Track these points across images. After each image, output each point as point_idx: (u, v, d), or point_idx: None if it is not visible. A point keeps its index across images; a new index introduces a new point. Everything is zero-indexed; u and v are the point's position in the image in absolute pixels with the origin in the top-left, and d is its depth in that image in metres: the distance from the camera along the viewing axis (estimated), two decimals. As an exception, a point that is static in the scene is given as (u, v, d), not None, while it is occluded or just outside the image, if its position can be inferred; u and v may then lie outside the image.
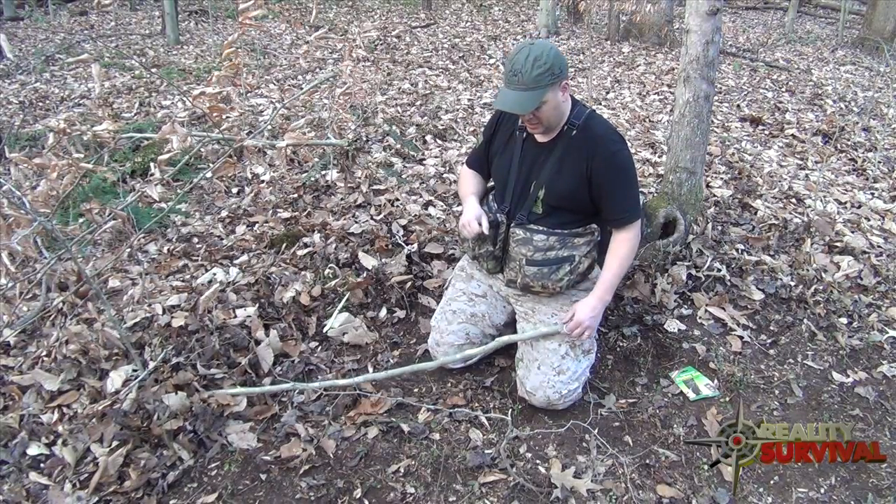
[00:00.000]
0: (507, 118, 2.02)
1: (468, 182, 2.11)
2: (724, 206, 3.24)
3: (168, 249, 2.86)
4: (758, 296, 2.53)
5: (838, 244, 2.89)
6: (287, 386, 1.87)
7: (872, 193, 3.60)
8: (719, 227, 2.93)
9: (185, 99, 4.95)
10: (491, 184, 2.15)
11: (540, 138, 1.93)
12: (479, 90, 5.71)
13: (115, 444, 1.77)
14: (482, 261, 2.01)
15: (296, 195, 3.34)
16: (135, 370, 1.93)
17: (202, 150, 3.61)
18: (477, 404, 2.03)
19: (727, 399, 2.06)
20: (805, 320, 2.42)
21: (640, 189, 2.02)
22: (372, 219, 3.00)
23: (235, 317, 2.31)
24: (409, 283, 2.54)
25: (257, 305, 2.36)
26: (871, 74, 6.80)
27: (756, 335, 2.37)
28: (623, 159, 1.86)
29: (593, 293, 1.89)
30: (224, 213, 3.23)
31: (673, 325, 2.37)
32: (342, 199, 3.24)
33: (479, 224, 1.89)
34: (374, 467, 1.79)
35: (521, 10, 11.15)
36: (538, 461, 1.81)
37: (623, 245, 1.89)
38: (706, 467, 1.81)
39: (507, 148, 1.99)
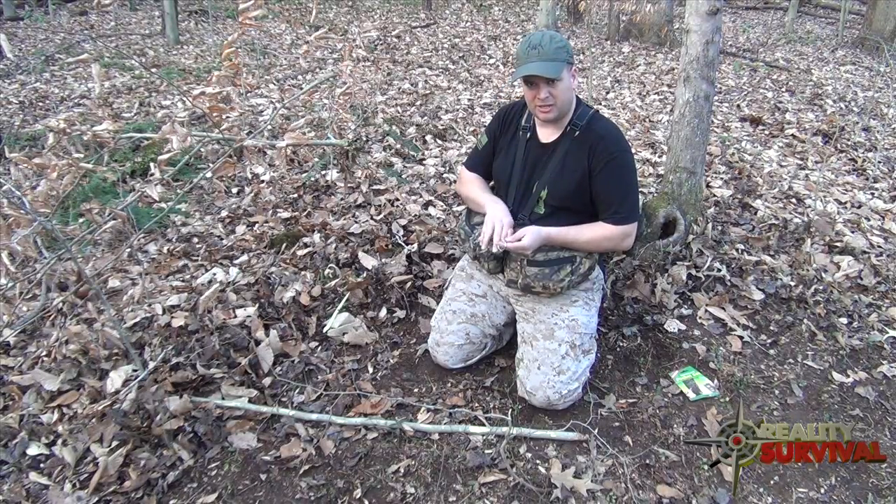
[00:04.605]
0: (511, 117, 2.02)
1: (474, 185, 2.07)
2: (724, 206, 3.24)
3: (168, 249, 2.86)
4: (758, 296, 2.53)
5: (838, 244, 2.89)
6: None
7: (872, 193, 3.60)
8: (719, 227, 2.93)
9: (185, 99, 4.95)
10: (491, 184, 2.14)
11: (543, 138, 1.93)
12: (479, 90, 5.72)
13: (115, 444, 1.77)
14: (483, 261, 2.01)
15: (296, 195, 3.34)
16: (135, 370, 1.93)
17: (202, 150, 3.61)
18: (477, 404, 2.03)
19: (727, 399, 2.06)
20: (805, 320, 2.42)
21: (640, 189, 2.02)
22: (372, 219, 3.00)
23: (235, 317, 2.31)
24: (409, 283, 2.54)
25: (257, 305, 2.36)
26: (871, 74, 6.80)
27: (756, 335, 2.37)
28: (624, 162, 1.86)
29: (550, 228, 1.84)
30: (224, 213, 3.23)
31: (673, 325, 2.37)
32: (342, 199, 3.24)
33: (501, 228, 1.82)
34: (374, 467, 1.79)
35: (521, 10, 11.16)
36: (538, 461, 1.81)
37: (606, 230, 1.87)
38: (706, 467, 1.81)
39: (510, 148, 1.99)
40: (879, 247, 2.96)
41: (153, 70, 6.29)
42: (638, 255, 2.59)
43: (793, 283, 2.59)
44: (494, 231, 1.83)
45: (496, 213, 1.87)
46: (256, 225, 3.05)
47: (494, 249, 1.83)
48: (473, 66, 6.79)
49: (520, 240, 1.78)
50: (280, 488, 1.73)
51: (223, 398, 1.98)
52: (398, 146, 3.97)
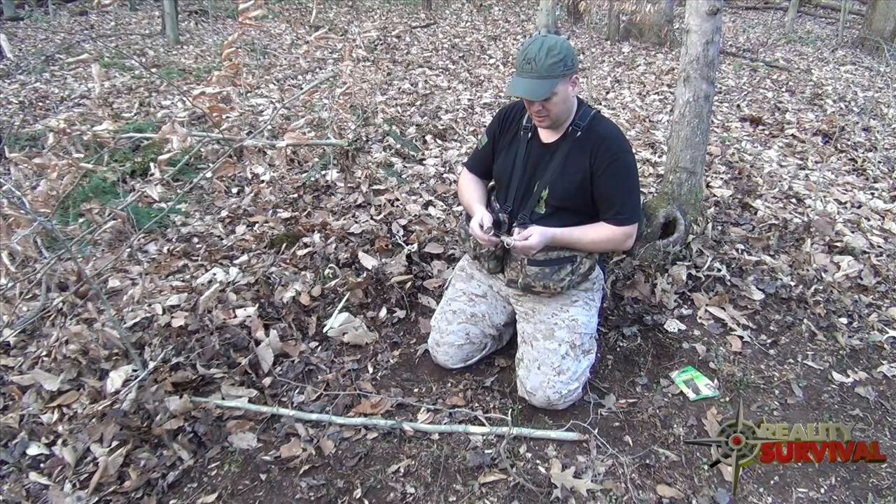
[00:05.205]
0: (511, 117, 2.02)
1: (469, 188, 2.08)
2: (724, 206, 3.24)
3: (168, 249, 2.87)
4: (758, 296, 2.53)
5: (838, 244, 2.89)
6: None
7: (872, 193, 3.60)
8: (719, 227, 2.93)
9: (185, 99, 4.95)
10: (492, 184, 2.14)
11: (545, 138, 1.93)
12: (479, 90, 5.72)
13: (115, 444, 1.77)
14: (483, 261, 2.01)
15: (296, 195, 3.34)
16: (135, 370, 1.93)
17: (202, 150, 3.61)
18: (477, 404, 2.03)
19: (727, 399, 2.06)
20: (805, 320, 2.42)
21: (641, 189, 2.01)
22: (372, 219, 3.00)
23: (235, 317, 2.31)
24: (409, 283, 2.54)
25: (257, 305, 2.36)
26: (871, 74, 6.80)
27: (756, 335, 2.37)
28: (626, 164, 1.86)
29: (555, 228, 1.84)
30: (224, 213, 3.23)
31: (673, 325, 2.37)
32: (342, 199, 3.24)
33: (482, 226, 1.84)
34: (374, 467, 1.79)
35: (521, 10, 11.16)
36: (538, 461, 1.81)
37: (609, 230, 1.88)
38: (706, 467, 1.81)
39: (511, 147, 1.99)
40: (879, 247, 2.96)
41: (153, 70, 6.29)
42: (638, 255, 2.59)
43: (793, 283, 2.59)
44: (479, 230, 1.84)
45: (477, 216, 1.88)
46: (256, 225, 3.05)
47: (492, 242, 1.82)
48: (473, 66, 6.79)
49: (527, 239, 1.78)
50: (280, 488, 1.73)
51: (223, 398, 1.98)
52: (398, 146, 3.97)
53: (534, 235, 1.78)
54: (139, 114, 4.84)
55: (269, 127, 3.83)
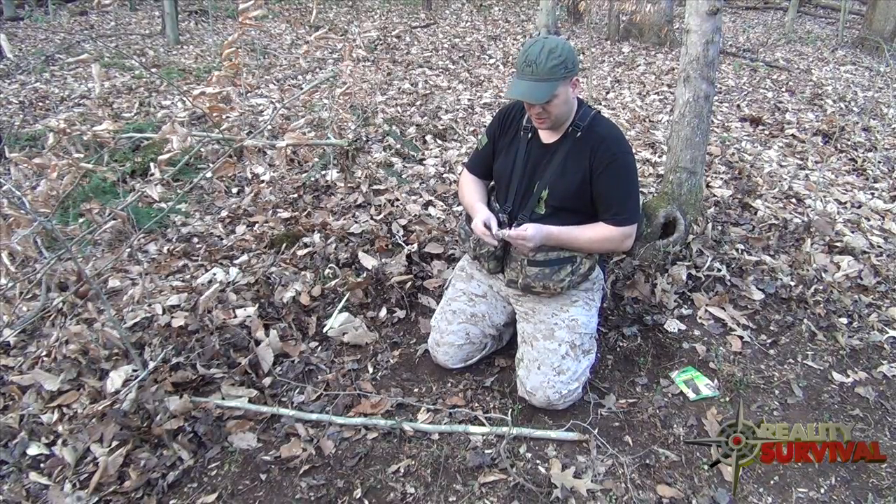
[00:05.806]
0: (511, 117, 2.02)
1: (470, 189, 2.08)
2: (724, 206, 3.24)
3: (168, 249, 2.87)
4: (758, 296, 2.53)
5: (838, 244, 2.89)
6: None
7: (872, 193, 3.60)
8: (719, 227, 2.93)
9: (185, 99, 4.95)
10: (492, 184, 2.14)
11: (545, 139, 1.93)
12: (479, 90, 5.72)
13: (115, 444, 1.77)
14: (483, 261, 2.01)
15: (296, 195, 3.34)
16: (135, 370, 1.93)
17: (202, 150, 3.61)
18: (477, 404, 2.03)
19: (727, 399, 2.06)
20: (805, 320, 2.42)
21: (640, 189, 2.01)
22: (372, 219, 3.01)
23: (235, 317, 2.31)
24: (409, 283, 2.54)
25: (257, 305, 2.36)
26: (871, 74, 6.80)
27: (756, 335, 2.37)
28: (625, 164, 1.85)
29: (552, 226, 1.84)
30: (224, 213, 3.23)
31: (673, 325, 2.37)
32: (342, 199, 3.24)
33: (489, 227, 1.84)
34: (374, 467, 1.79)
35: (521, 10, 11.16)
36: (538, 461, 1.81)
37: (607, 230, 1.87)
38: (706, 467, 1.81)
39: (511, 148, 1.99)
40: (879, 247, 2.96)
41: (153, 70, 6.29)
42: (638, 255, 2.59)
43: (793, 283, 2.59)
44: (484, 228, 1.83)
45: (481, 215, 1.88)
46: (256, 225, 3.05)
47: (496, 240, 1.83)
48: (473, 66, 6.79)
49: (524, 231, 1.78)
50: (280, 488, 1.73)
51: (223, 398, 1.98)
52: (398, 146, 3.97)
53: (529, 229, 1.79)
54: (139, 114, 4.84)
55: (269, 127, 3.83)
